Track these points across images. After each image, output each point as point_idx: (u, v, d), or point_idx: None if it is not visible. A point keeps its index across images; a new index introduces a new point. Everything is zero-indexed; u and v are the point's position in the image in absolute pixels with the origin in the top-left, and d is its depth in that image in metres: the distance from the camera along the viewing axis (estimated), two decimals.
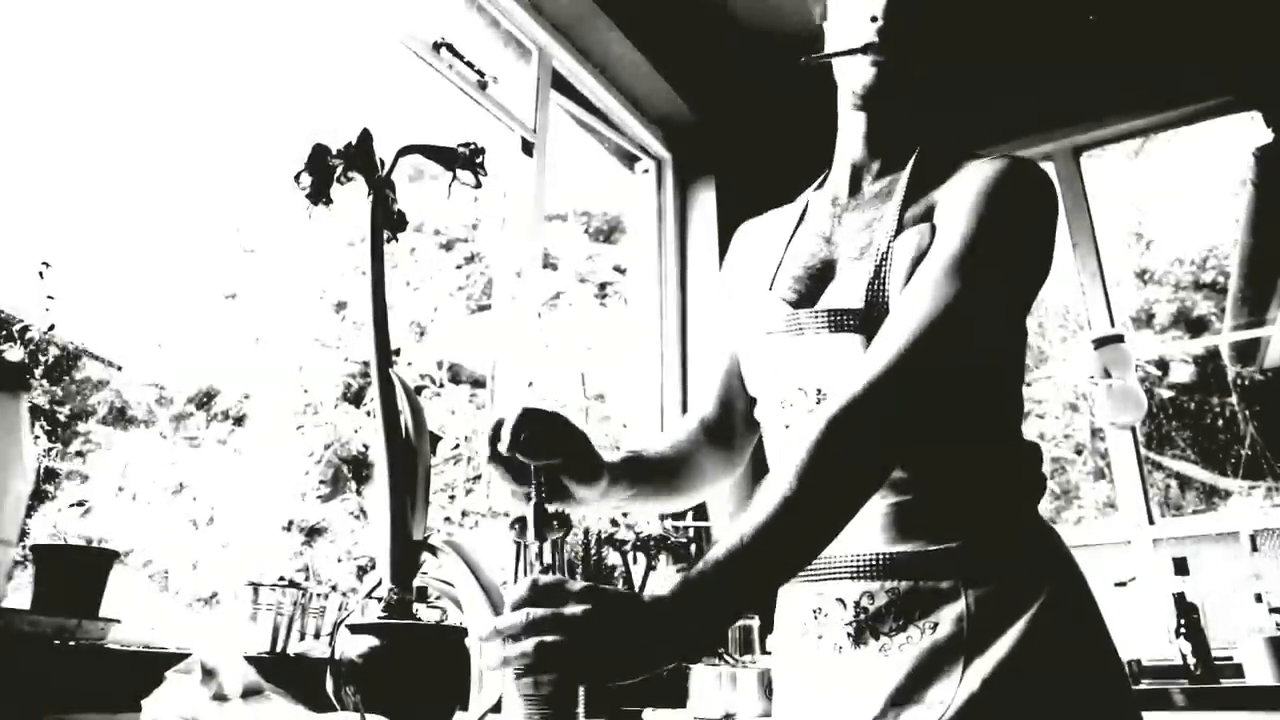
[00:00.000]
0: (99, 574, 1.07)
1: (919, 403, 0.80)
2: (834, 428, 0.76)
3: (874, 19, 0.96)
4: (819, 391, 0.93)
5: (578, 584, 0.69)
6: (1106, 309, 2.87)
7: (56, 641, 0.93)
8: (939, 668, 0.82)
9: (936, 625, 0.83)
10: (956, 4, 1.00)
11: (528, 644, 0.65)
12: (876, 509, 0.89)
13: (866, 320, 0.89)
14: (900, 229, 0.92)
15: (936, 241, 0.88)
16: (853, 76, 0.99)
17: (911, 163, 0.97)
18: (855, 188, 1.03)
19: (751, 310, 1.02)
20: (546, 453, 0.84)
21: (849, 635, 0.88)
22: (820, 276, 0.98)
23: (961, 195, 0.90)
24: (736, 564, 0.70)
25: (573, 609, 0.66)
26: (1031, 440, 0.96)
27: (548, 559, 0.82)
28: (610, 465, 0.93)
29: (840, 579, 0.90)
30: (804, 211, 1.09)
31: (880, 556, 0.88)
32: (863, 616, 0.88)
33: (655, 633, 0.68)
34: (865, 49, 0.96)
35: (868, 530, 0.89)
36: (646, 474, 0.99)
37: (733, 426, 1.11)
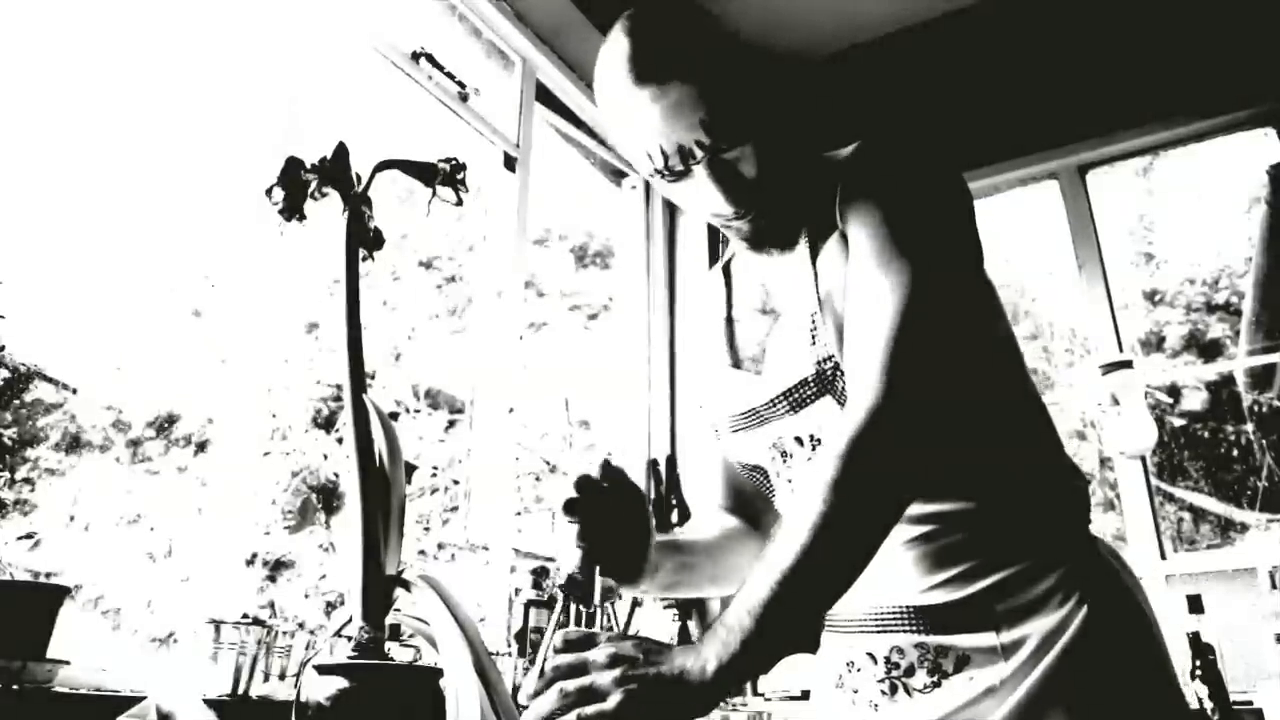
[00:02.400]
0: (47, 612, 1.06)
1: (925, 407, 0.80)
2: (849, 462, 0.77)
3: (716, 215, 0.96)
4: (812, 438, 0.95)
5: (606, 651, 0.75)
6: (1114, 332, 2.90)
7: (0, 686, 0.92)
8: (980, 709, 0.84)
9: (973, 678, 0.85)
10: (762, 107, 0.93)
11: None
12: (895, 545, 0.89)
13: (821, 379, 0.90)
14: (816, 275, 0.94)
15: (853, 256, 0.89)
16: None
17: (804, 237, 0.97)
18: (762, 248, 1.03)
19: (722, 394, 1.05)
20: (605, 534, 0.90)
21: (883, 692, 0.90)
22: (764, 340, 1.01)
23: (858, 206, 0.90)
24: (771, 615, 0.73)
25: (603, 682, 0.73)
26: (1065, 455, 0.96)
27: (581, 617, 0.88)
28: (653, 555, 0.98)
29: (867, 632, 0.92)
30: (728, 275, 1.12)
31: (905, 609, 0.89)
32: (894, 672, 0.89)
33: (691, 700, 0.73)
34: (726, 225, 0.98)
35: (889, 574, 0.90)
36: (691, 554, 1.04)
37: (750, 503, 1.14)
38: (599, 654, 0.76)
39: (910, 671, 0.88)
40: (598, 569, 0.88)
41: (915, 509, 0.88)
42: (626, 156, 0.95)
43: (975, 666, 0.85)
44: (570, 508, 0.90)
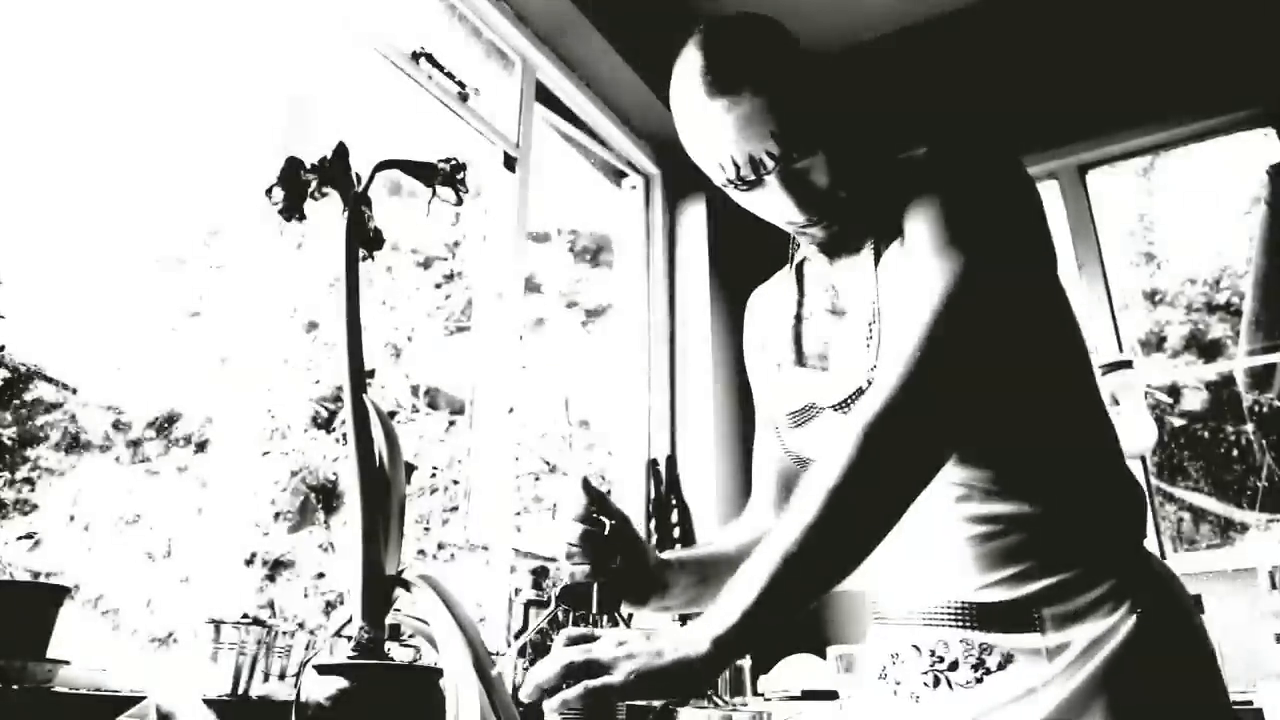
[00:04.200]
0: (47, 612, 1.06)
1: (948, 402, 0.81)
2: (865, 441, 0.78)
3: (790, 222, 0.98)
4: None
5: (612, 634, 0.78)
6: (1114, 333, 2.90)
7: None
8: (1020, 708, 0.85)
9: (1016, 678, 0.86)
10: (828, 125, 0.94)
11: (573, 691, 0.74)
12: (958, 543, 0.90)
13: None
14: (877, 282, 0.96)
15: (909, 245, 0.91)
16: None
17: (870, 244, 0.99)
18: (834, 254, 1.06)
19: (784, 391, 1.07)
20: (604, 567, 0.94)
21: (925, 684, 0.91)
22: (830, 339, 1.04)
23: (920, 202, 0.92)
24: (772, 589, 0.75)
25: (607, 656, 0.75)
26: (1129, 472, 0.96)
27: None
28: (665, 572, 1.00)
29: (914, 625, 0.94)
30: (800, 275, 1.14)
31: (956, 605, 0.90)
32: (938, 665, 0.91)
33: (691, 672, 0.75)
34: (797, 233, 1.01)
35: (946, 573, 0.91)
36: (712, 571, 1.04)
37: None
38: (606, 636, 0.79)
39: (954, 666, 0.89)
40: (595, 585, 0.91)
41: (978, 510, 0.90)
42: (700, 166, 0.98)
43: (1019, 666, 0.86)
44: (578, 533, 0.93)
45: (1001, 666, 0.87)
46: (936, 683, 0.90)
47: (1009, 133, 3.04)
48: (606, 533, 0.93)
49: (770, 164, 0.91)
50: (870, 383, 0.91)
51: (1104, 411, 0.98)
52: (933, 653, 0.91)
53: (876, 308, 0.94)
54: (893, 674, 0.96)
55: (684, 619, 2.53)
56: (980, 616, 0.89)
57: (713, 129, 0.92)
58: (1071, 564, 0.87)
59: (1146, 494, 0.98)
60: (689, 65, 0.93)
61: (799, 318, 1.09)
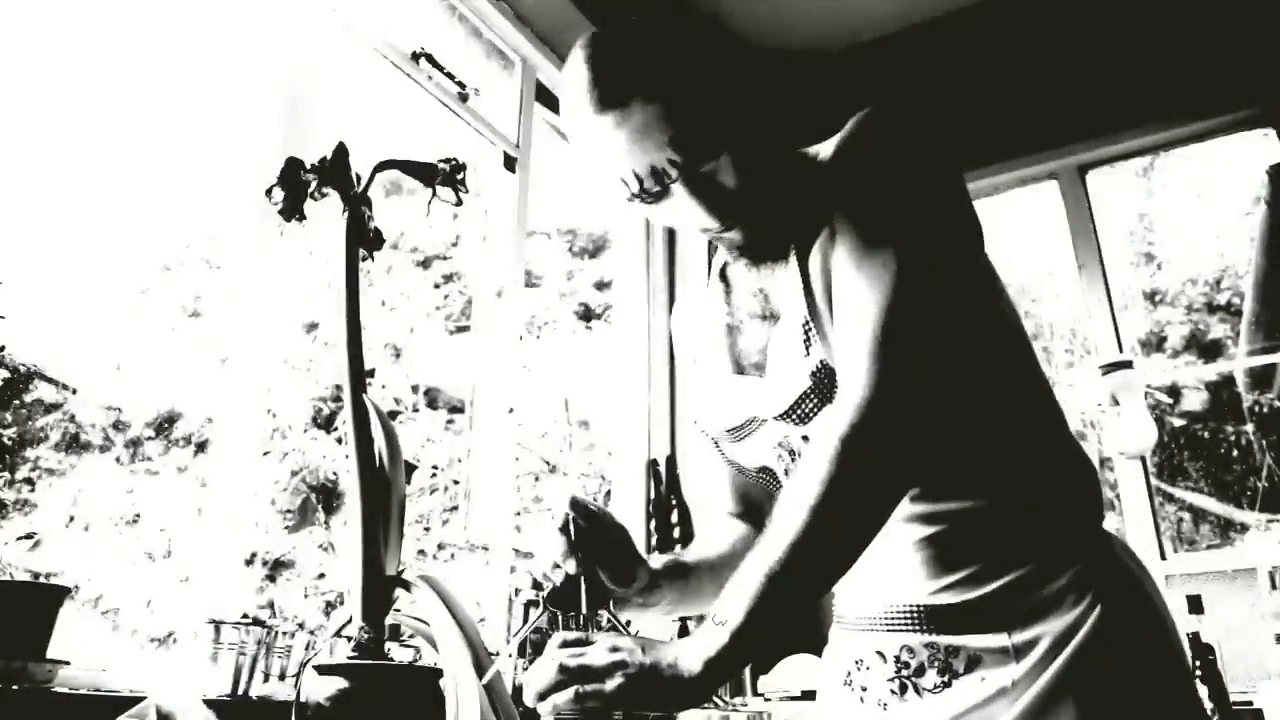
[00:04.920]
0: (47, 612, 1.06)
1: (914, 400, 0.80)
2: (839, 458, 0.78)
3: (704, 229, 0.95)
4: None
5: (607, 640, 0.78)
6: (1114, 333, 2.90)
7: None
8: (991, 710, 0.83)
9: (984, 679, 0.84)
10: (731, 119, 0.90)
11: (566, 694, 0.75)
12: (906, 546, 0.89)
13: (820, 389, 0.89)
14: (805, 279, 0.92)
15: (838, 248, 0.87)
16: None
17: (792, 243, 0.95)
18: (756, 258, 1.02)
19: (724, 401, 1.03)
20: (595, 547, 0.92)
21: (892, 691, 0.89)
22: (765, 346, 0.99)
23: (841, 198, 0.89)
24: (759, 610, 0.75)
25: (602, 663, 0.76)
26: (1080, 452, 0.94)
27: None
28: (651, 569, 0.98)
29: (876, 631, 0.92)
30: (725, 282, 1.09)
31: (916, 609, 0.89)
32: (904, 671, 0.89)
33: (683, 691, 0.75)
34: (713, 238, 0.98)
35: (901, 574, 0.90)
36: (694, 576, 1.03)
37: (759, 507, 1.11)
38: (600, 641, 0.79)
39: (920, 671, 0.88)
40: (583, 582, 0.90)
41: (925, 509, 0.88)
42: (603, 185, 0.93)
43: (986, 667, 0.84)
44: (565, 528, 0.91)
45: (969, 669, 0.85)
46: (904, 689, 0.88)
47: (1007, 133, 3.04)
48: (575, 537, 0.91)
49: (673, 172, 0.87)
50: (812, 386, 0.89)
51: (1047, 388, 0.96)
52: (898, 659, 0.89)
53: (809, 308, 0.90)
54: (858, 680, 0.93)
55: (683, 626, 2.53)
56: (942, 619, 0.87)
57: (608, 145, 0.87)
58: (1027, 558, 0.86)
59: (1098, 473, 0.96)
60: (574, 82, 0.88)
61: (730, 328, 1.05)
